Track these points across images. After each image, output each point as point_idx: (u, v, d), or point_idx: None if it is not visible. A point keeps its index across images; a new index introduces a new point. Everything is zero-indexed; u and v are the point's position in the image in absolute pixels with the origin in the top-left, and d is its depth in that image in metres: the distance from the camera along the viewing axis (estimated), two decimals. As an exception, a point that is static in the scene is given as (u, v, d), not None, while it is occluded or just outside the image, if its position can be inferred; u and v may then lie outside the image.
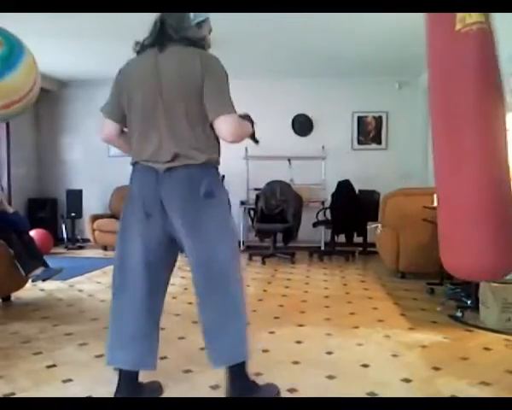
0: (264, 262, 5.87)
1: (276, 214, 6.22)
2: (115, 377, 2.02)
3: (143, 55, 1.98)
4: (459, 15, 2.19)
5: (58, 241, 7.24)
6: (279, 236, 6.22)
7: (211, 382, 2.30)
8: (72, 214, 7.22)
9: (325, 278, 4.97)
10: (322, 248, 6.78)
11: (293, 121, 7.24)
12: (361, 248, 6.45)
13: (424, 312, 3.61)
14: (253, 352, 2.77)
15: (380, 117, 7.16)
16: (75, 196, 7.26)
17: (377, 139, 7.20)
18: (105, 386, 2.18)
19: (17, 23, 3.35)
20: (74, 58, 6.24)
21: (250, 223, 6.51)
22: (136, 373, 2.02)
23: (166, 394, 2.17)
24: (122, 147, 2.12)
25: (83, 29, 4.94)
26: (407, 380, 2.34)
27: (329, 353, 2.75)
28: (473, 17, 2.16)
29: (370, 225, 5.81)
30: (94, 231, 6.91)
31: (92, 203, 7.30)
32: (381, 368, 2.52)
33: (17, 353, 2.77)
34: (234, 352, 1.96)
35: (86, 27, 4.88)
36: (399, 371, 2.46)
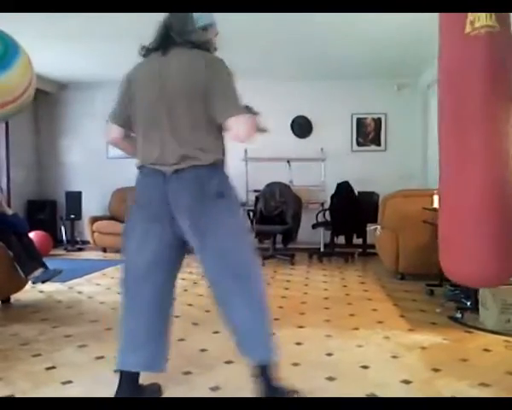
0: (263, 264, 5.86)
1: (275, 216, 6.22)
2: (115, 379, 2.01)
3: (148, 59, 1.99)
4: (469, 18, 2.19)
5: (57, 243, 7.24)
6: (278, 237, 6.22)
7: (210, 383, 2.30)
8: (72, 216, 7.22)
9: (325, 280, 4.97)
10: (322, 249, 6.78)
11: (292, 123, 7.25)
12: (360, 250, 6.45)
13: (424, 313, 3.61)
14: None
15: (379, 119, 7.17)
16: (74, 198, 7.25)
17: (376, 141, 7.21)
18: (104, 388, 2.18)
19: (16, 24, 3.36)
20: (73, 60, 6.24)
21: (249, 224, 6.51)
22: (138, 375, 2.01)
23: (166, 395, 2.16)
24: (127, 149, 2.14)
25: (82, 31, 4.94)
26: (407, 381, 2.34)
27: (329, 354, 2.75)
28: (481, 20, 2.17)
29: (370, 227, 5.82)
30: (93, 232, 6.90)
31: (91, 205, 7.30)
32: (380, 369, 2.52)
33: (16, 355, 2.76)
34: (264, 349, 1.94)
35: (85, 29, 4.88)
36: (399, 372, 2.46)
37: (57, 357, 2.70)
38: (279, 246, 6.24)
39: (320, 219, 6.60)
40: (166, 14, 2.00)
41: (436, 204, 3.62)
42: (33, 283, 3.92)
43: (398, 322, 3.39)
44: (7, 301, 3.95)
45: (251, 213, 6.47)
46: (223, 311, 1.97)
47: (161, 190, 1.91)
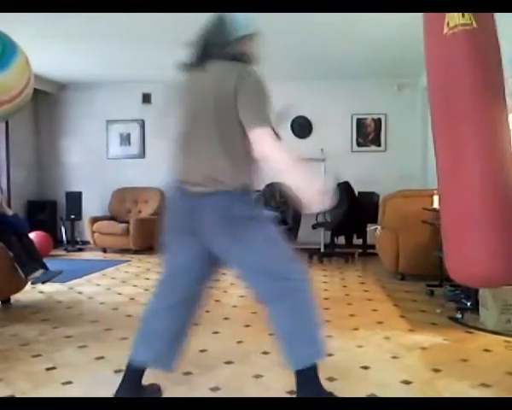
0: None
1: (275, 216, 6.22)
2: (115, 379, 2.01)
3: (186, 76, 1.98)
4: (446, 18, 2.21)
5: (57, 243, 7.23)
6: (279, 238, 6.20)
7: (211, 384, 2.30)
8: (72, 217, 7.22)
9: (325, 280, 4.97)
10: (322, 249, 6.77)
11: (292, 123, 7.25)
12: (360, 250, 6.45)
13: (424, 313, 3.61)
14: (252, 354, 2.77)
15: (379, 119, 7.17)
16: (74, 199, 7.25)
17: (376, 141, 7.21)
18: (104, 388, 2.18)
19: (16, 24, 3.36)
20: (73, 60, 6.24)
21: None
22: (142, 374, 2.01)
23: (166, 395, 2.16)
24: None
25: (82, 31, 4.94)
26: (407, 382, 2.34)
27: (329, 355, 2.74)
28: (455, 19, 2.18)
29: (370, 227, 5.81)
30: (93, 233, 6.90)
31: (91, 205, 7.29)
32: (381, 370, 2.52)
33: (16, 355, 2.76)
34: (309, 352, 2.01)
35: (85, 29, 4.88)
36: (399, 372, 2.46)
37: (57, 357, 2.70)
38: (279, 246, 6.22)
39: (320, 219, 6.59)
40: (204, 25, 1.94)
41: (436, 204, 3.62)
42: (33, 283, 3.92)
43: (398, 322, 3.39)
44: (7, 301, 3.95)
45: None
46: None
47: (185, 209, 1.90)
